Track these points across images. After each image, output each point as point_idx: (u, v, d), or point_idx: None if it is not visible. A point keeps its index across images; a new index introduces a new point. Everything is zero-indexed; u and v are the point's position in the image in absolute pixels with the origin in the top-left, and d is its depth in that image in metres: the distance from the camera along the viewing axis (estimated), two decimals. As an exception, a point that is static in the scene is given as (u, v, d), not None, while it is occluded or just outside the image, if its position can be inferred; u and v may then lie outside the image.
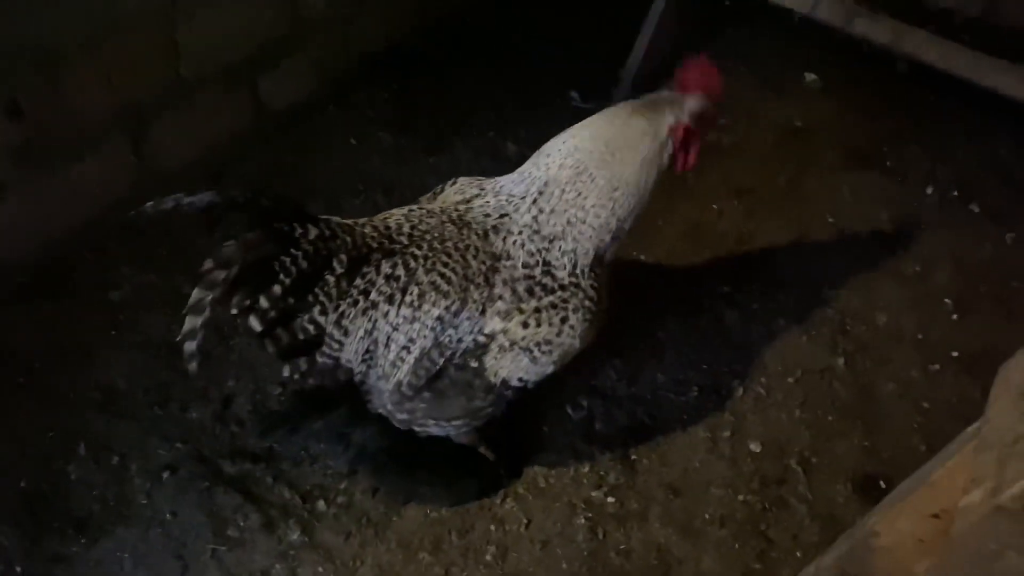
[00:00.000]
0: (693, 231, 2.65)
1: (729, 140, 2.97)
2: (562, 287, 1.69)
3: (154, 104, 2.36)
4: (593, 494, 2.02)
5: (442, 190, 1.85)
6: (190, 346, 1.48)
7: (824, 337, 2.39)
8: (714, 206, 2.73)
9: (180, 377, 2.13)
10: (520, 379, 1.72)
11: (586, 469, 2.06)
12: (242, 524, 1.89)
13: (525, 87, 3.06)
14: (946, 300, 2.49)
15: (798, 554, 1.93)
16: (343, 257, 1.61)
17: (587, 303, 1.70)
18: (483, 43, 3.19)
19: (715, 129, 1.67)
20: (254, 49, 2.53)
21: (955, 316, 2.45)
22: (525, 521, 1.96)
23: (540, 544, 1.93)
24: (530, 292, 1.68)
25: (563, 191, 1.68)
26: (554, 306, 1.68)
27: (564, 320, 1.69)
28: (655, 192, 1.73)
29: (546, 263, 1.69)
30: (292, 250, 1.55)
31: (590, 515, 1.98)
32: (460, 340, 1.68)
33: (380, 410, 1.82)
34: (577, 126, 1.74)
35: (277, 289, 1.54)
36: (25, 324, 2.19)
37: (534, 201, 1.70)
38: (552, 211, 1.69)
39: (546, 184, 1.69)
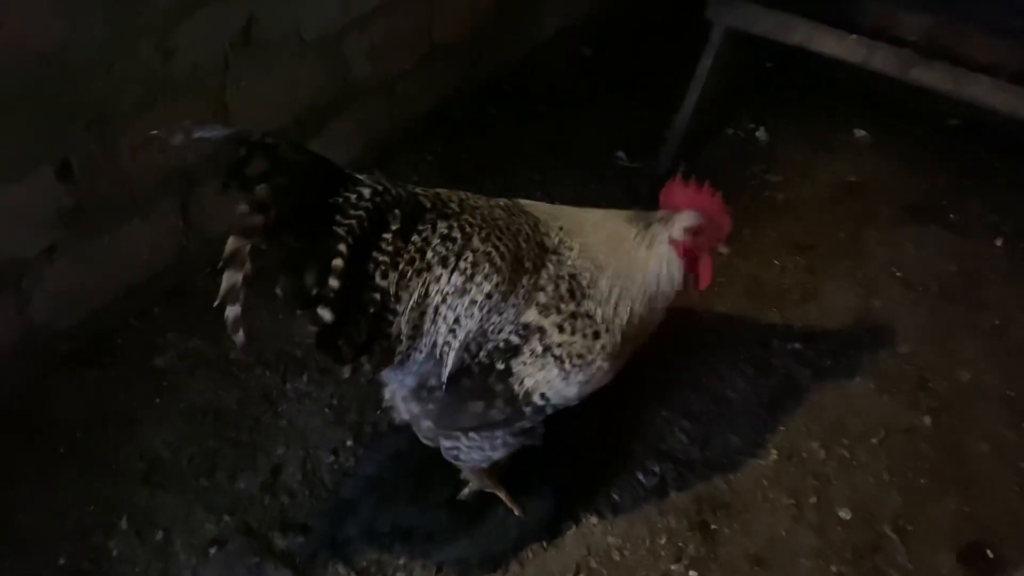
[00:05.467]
0: (756, 288, 2.54)
1: (783, 197, 2.89)
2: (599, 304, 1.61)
3: (202, 167, 2.31)
4: (672, 567, 1.86)
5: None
6: (233, 311, 1.29)
7: (905, 395, 2.24)
8: (775, 262, 2.62)
9: (227, 445, 2.02)
10: (543, 395, 1.59)
11: (663, 540, 1.91)
12: (295, 604, 1.75)
13: (569, 147, 3.01)
14: (1032, 354, 2.35)
15: (905, 632, 1.76)
16: (397, 212, 1.46)
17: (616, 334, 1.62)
18: (526, 107, 3.16)
19: (723, 244, 1.66)
20: (303, 112, 2.51)
21: (1044, 371, 2.31)
22: (601, 598, 1.80)
23: (619, 623, 1.77)
24: (571, 294, 1.59)
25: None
26: (589, 316, 1.59)
27: (596, 336, 1.59)
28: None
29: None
30: (351, 211, 1.40)
31: (671, 590, 1.82)
32: (501, 330, 1.55)
33: (405, 415, 1.69)
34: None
35: (339, 263, 1.36)
36: (68, 392, 2.09)
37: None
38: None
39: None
